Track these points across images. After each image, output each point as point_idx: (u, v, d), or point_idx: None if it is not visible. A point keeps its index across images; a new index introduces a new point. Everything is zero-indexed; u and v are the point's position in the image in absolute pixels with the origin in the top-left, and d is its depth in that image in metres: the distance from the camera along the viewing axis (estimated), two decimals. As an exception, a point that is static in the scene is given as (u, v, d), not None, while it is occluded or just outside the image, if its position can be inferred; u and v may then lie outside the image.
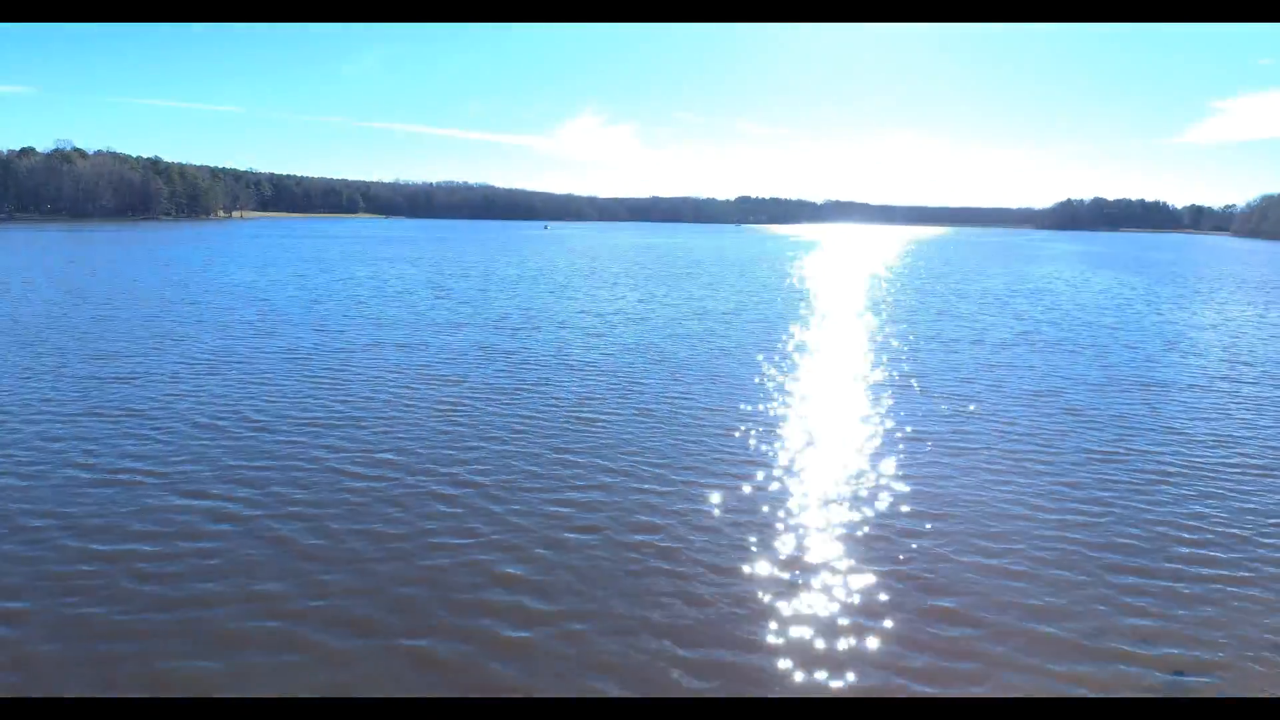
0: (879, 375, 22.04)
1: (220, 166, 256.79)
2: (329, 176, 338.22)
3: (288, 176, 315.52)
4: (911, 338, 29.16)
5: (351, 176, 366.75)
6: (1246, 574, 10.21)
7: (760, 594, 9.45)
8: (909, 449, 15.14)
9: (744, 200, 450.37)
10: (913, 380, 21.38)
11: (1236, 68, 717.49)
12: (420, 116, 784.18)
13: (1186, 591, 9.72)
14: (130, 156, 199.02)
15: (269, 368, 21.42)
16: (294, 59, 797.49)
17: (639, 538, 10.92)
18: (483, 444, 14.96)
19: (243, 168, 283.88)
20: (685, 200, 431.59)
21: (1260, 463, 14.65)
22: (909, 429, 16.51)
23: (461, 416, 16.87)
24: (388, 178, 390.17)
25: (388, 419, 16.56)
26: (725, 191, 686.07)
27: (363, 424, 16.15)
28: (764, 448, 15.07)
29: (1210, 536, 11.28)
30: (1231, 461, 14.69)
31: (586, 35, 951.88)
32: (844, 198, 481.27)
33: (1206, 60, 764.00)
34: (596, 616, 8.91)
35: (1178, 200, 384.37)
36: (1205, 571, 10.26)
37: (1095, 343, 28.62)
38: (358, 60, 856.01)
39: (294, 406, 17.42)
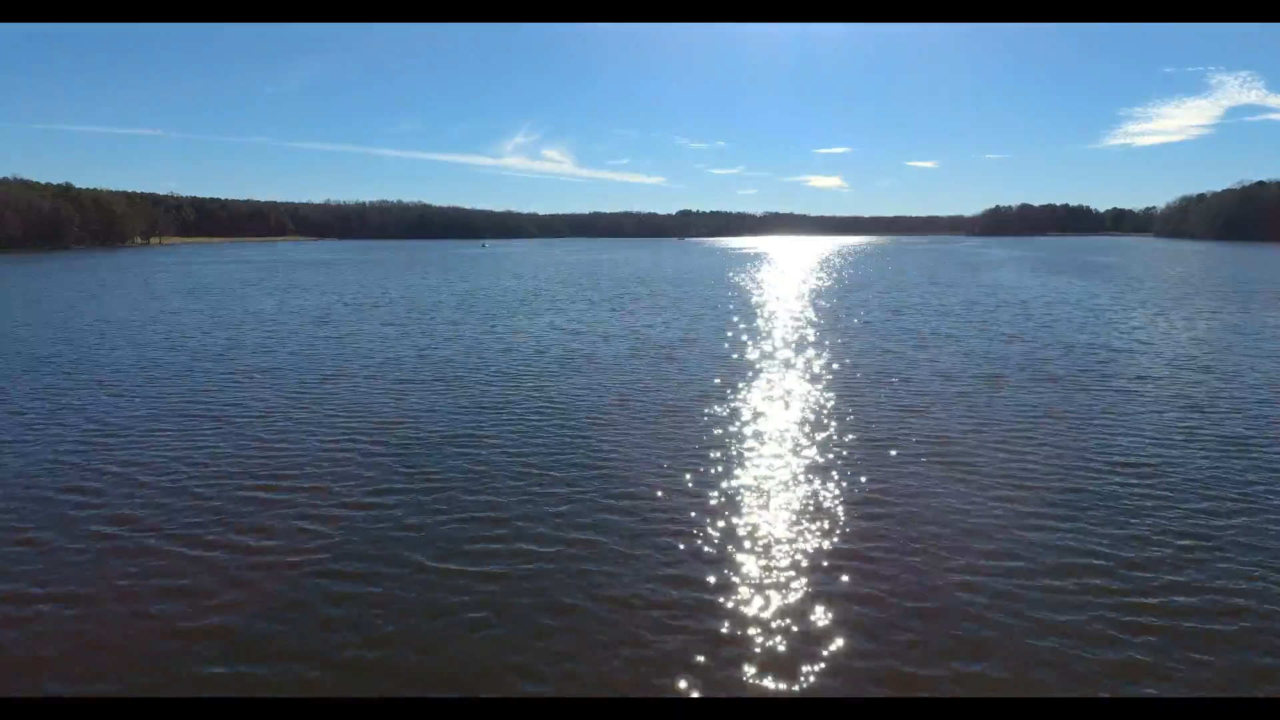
0: (882, 426, 17.67)
1: (138, 191, 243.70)
2: (255, 199, 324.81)
3: (211, 200, 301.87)
4: (903, 374, 25.02)
5: (280, 198, 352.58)
6: None
7: None
8: (944, 537, 10.67)
9: (685, 214, 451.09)
10: (924, 435, 17.08)
11: (1143, 77, 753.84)
12: (348, 136, 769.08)
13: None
14: (39, 184, 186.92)
15: (97, 432, 15.87)
16: (213, 80, 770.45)
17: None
18: (373, 533, 9.93)
19: (163, 192, 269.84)
20: (627, 215, 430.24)
21: None
22: (938, 511, 12.06)
23: (356, 492, 11.76)
24: (318, 199, 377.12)
25: (253, 502, 11.37)
26: (666, 205, 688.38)
27: (206, 514, 10.92)
28: (756, 536, 10.42)
29: None
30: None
31: (515, 53, 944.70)
32: (782, 209, 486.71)
33: (1116, 70, 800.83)
34: None
35: (1099, 204, 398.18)
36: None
37: (1117, 373, 24.70)
38: (280, 80, 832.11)
39: (114, 490, 12.05)
